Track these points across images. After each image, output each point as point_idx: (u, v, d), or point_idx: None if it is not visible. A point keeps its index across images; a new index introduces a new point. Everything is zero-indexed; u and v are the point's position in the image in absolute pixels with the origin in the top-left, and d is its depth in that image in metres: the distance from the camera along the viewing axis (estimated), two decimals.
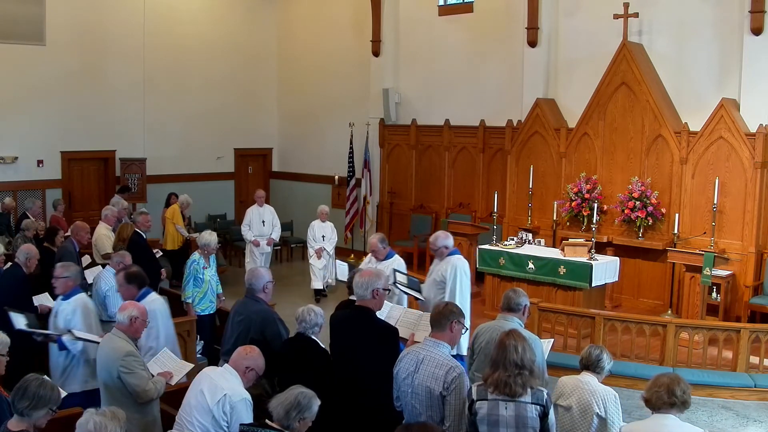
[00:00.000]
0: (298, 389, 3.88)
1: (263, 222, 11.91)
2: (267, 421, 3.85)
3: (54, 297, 7.47)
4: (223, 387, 4.36)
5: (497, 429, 3.97)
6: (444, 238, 6.73)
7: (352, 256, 13.79)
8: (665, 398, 3.92)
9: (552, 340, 6.21)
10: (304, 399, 3.84)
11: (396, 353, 4.66)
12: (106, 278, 7.34)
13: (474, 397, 4.07)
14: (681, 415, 3.98)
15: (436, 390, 4.18)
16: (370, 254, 7.55)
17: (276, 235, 12.17)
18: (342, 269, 7.55)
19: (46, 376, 3.93)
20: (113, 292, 7.21)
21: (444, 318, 4.33)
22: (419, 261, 13.21)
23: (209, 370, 4.58)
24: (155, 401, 4.96)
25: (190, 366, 5.45)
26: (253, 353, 4.56)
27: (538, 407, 3.95)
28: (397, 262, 7.27)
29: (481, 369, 5.22)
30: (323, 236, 11.76)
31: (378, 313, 5.08)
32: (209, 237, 8.14)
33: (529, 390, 3.96)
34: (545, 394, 4.00)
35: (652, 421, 3.99)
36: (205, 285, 7.98)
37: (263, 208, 12.06)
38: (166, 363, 5.42)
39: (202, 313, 8.00)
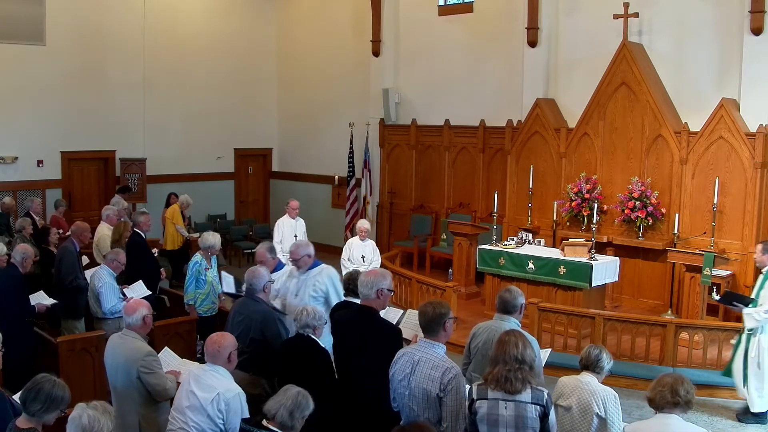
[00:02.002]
0: (293, 390, 3.88)
1: (296, 236, 10.23)
2: (265, 422, 3.85)
3: (50, 296, 7.56)
4: (215, 386, 4.36)
5: (497, 428, 3.96)
6: (305, 247, 6.46)
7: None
8: (669, 398, 3.92)
9: (549, 350, 6.18)
10: (304, 399, 3.86)
11: None
12: (100, 276, 7.47)
13: (474, 396, 4.07)
14: (684, 415, 3.98)
15: (433, 392, 4.15)
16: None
17: None
18: (227, 281, 7.22)
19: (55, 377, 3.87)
20: (106, 289, 7.36)
21: (436, 324, 4.28)
22: (419, 261, 13.22)
23: (196, 370, 4.57)
24: (167, 400, 4.97)
25: (194, 364, 5.44)
26: (221, 341, 4.51)
27: (538, 407, 3.94)
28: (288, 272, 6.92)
29: (479, 369, 5.19)
30: (363, 257, 9.58)
31: None
32: (213, 239, 8.02)
33: (528, 388, 3.95)
34: (545, 394, 3.99)
35: (656, 420, 3.98)
36: (207, 286, 7.93)
37: (296, 220, 10.49)
38: (170, 362, 5.43)
39: (204, 315, 7.99)
